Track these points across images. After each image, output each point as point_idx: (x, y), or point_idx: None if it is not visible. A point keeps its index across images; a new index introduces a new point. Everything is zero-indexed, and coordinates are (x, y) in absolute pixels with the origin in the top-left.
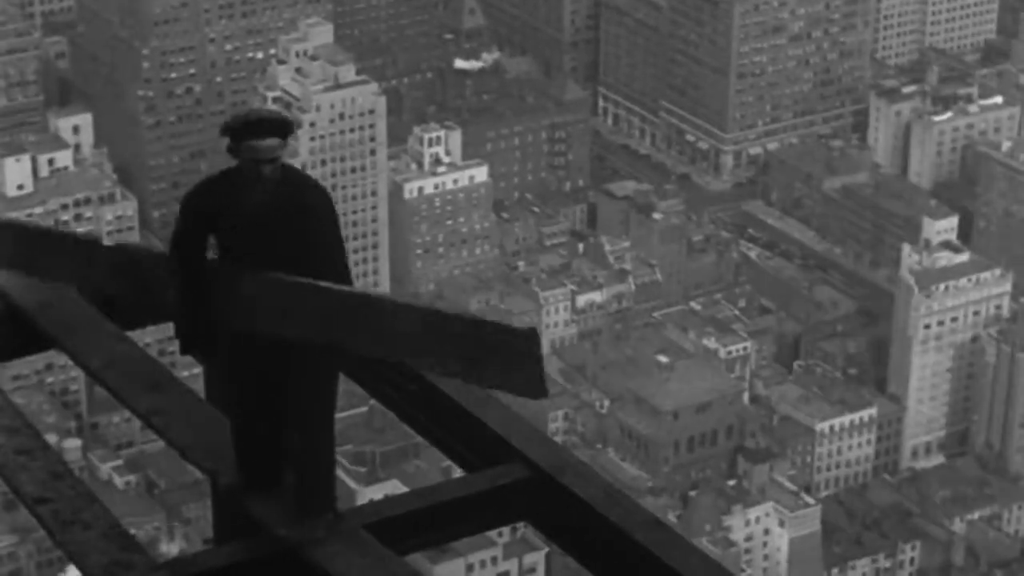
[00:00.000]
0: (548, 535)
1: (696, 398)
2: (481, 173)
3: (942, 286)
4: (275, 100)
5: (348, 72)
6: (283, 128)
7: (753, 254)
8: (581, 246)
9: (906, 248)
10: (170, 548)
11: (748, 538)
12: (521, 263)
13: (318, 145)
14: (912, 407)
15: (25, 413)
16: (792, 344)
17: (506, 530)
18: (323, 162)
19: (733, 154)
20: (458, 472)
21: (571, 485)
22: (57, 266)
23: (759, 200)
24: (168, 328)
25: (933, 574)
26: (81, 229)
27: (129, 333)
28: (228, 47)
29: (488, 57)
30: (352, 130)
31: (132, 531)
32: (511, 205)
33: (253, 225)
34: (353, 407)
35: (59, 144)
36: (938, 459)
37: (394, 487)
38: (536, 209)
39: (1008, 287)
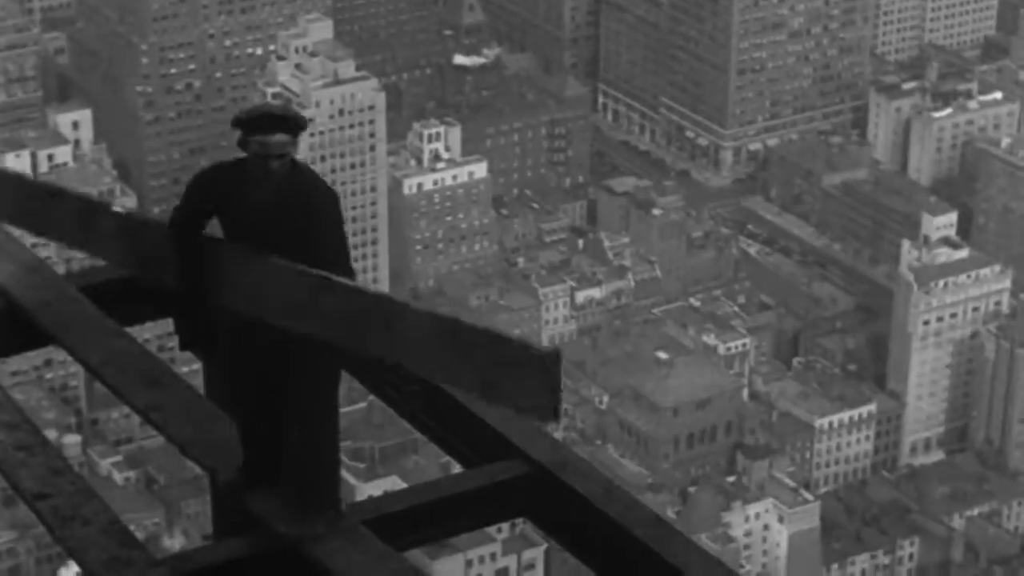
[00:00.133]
0: (547, 531)
1: (695, 394)
2: (481, 169)
3: (941, 282)
4: (274, 96)
5: (348, 68)
6: (294, 125)
7: (753, 250)
8: (581, 242)
9: (905, 244)
10: (170, 544)
11: (747, 534)
12: (521, 259)
13: (318, 141)
14: (911, 403)
15: (24, 409)
16: (791, 340)
17: (505, 526)
18: (322, 158)
19: (733, 150)
20: (457, 468)
21: (570, 481)
22: (62, 225)
23: (759, 196)
24: (168, 324)
25: (932, 570)
26: None
27: (128, 329)
28: (227, 43)
29: (488, 53)
30: (352, 126)
31: (132, 527)
32: (510, 201)
33: (256, 220)
34: (353, 403)
35: (58, 140)
36: (937, 455)
37: (393, 483)
38: (536, 205)
39: (1007, 283)
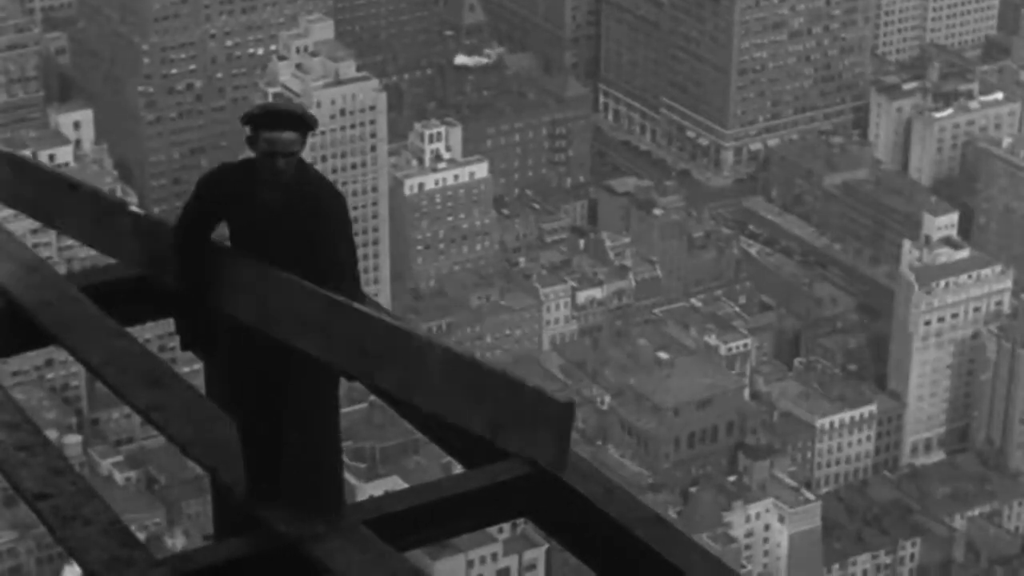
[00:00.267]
0: (548, 531)
1: (696, 394)
2: (481, 169)
3: (942, 282)
4: (275, 96)
5: (349, 68)
6: (302, 123)
7: (753, 250)
8: (582, 242)
9: (906, 244)
10: (170, 544)
11: (748, 534)
12: (522, 259)
13: (319, 141)
14: (912, 403)
15: (25, 409)
16: (792, 340)
17: (506, 526)
18: (324, 158)
19: (734, 150)
20: (458, 468)
21: (571, 481)
22: (77, 220)
23: (760, 196)
24: (169, 324)
25: (933, 570)
26: None
27: (129, 329)
28: (228, 43)
29: (489, 53)
30: (353, 126)
31: (132, 527)
32: (511, 201)
33: (264, 221)
34: (353, 403)
35: (59, 140)
36: (938, 455)
37: (394, 483)
38: (537, 205)
39: (1008, 283)
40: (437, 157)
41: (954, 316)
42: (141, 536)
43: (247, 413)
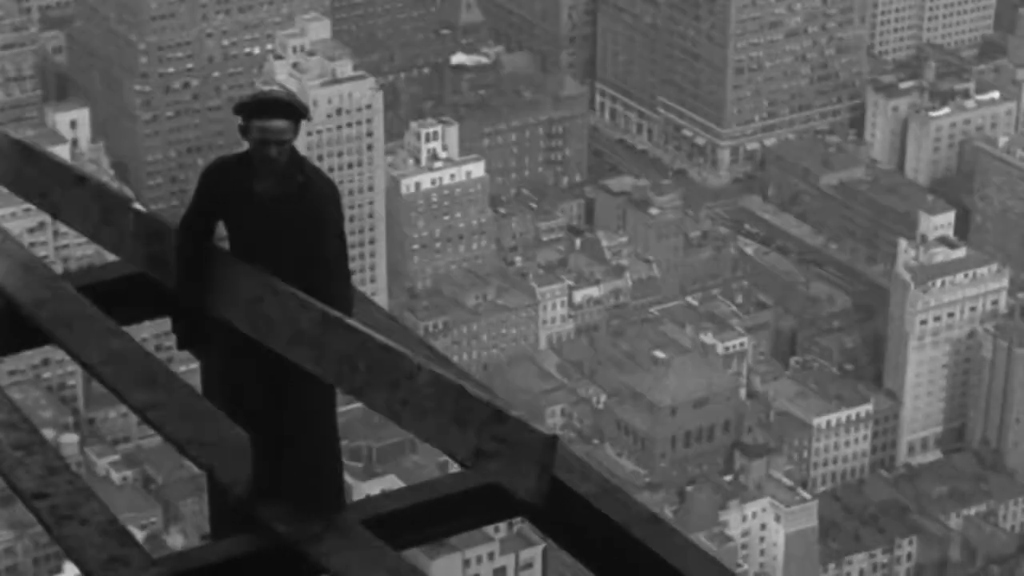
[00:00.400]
0: (545, 530)
1: (693, 393)
2: (478, 168)
3: (939, 282)
4: None
5: (345, 67)
6: (294, 111)
7: (750, 250)
8: (578, 241)
9: (903, 244)
10: (168, 543)
11: (745, 533)
12: (518, 258)
13: (315, 140)
14: (909, 403)
15: (22, 408)
16: (789, 339)
17: (503, 525)
18: (320, 157)
19: (730, 150)
20: (455, 467)
21: (568, 480)
22: (81, 215)
23: (756, 195)
24: (165, 323)
25: (930, 570)
26: None
27: (126, 328)
28: (225, 42)
29: (486, 52)
30: (349, 125)
31: (129, 526)
32: (508, 200)
33: (260, 212)
34: (350, 402)
35: (56, 139)
36: (935, 455)
37: (391, 482)
38: (533, 204)
39: (1005, 282)
40: (434, 156)
41: (950, 315)
42: (138, 535)
43: (244, 413)
